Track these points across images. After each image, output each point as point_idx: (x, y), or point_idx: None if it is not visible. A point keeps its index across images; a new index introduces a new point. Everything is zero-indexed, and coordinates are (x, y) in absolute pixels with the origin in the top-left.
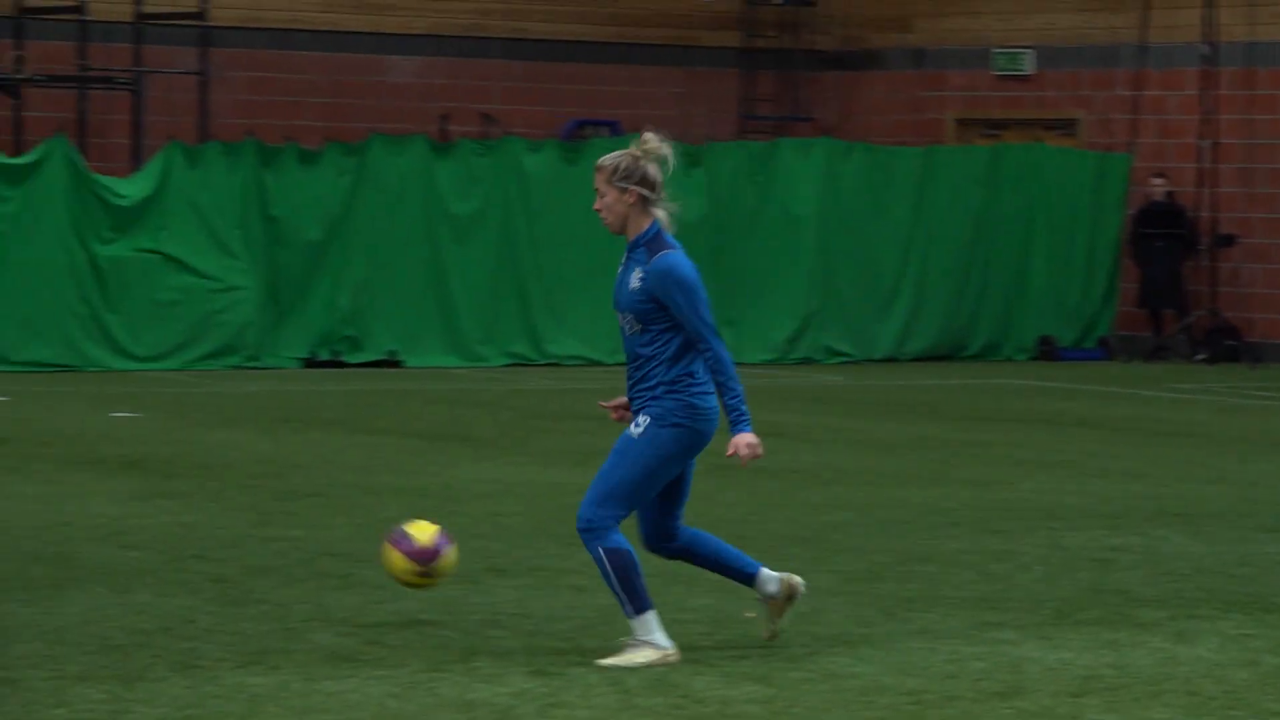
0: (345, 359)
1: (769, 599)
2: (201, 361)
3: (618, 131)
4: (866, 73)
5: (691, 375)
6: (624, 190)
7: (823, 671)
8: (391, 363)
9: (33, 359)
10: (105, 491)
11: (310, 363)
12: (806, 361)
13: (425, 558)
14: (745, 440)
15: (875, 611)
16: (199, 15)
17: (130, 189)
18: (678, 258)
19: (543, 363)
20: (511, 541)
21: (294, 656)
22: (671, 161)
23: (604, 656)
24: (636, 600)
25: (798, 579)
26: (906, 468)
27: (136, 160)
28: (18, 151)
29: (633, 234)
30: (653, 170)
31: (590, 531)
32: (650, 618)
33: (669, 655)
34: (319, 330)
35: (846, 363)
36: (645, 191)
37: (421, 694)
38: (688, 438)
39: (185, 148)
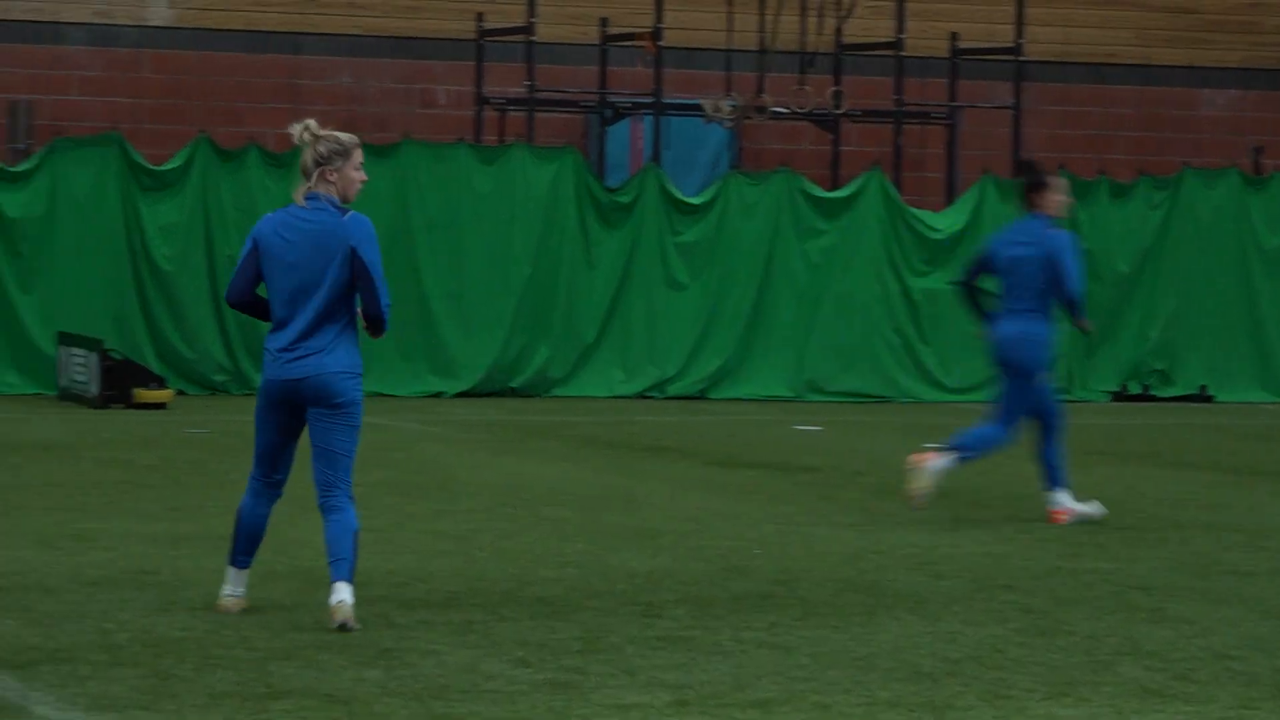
0: (1154, 392)
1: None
2: None
3: None
4: None
5: None
6: None
7: None
8: (1202, 397)
9: (847, 389)
10: (916, 521)
11: (1118, 396)
12: None
13: None
14: None
15: None
16: (1014, 50)
17: (944, 222)
18: None
19: None
20: None
21: (1102, 689)
22: None
23: None
24: None
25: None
26: None
27: (950, 194)
28: (835, 185)
29: None
30: None
31: None
32: None
33: None
34: (1129, 363)
35: None
36: None
37: None
38: None
39: (998, 181)
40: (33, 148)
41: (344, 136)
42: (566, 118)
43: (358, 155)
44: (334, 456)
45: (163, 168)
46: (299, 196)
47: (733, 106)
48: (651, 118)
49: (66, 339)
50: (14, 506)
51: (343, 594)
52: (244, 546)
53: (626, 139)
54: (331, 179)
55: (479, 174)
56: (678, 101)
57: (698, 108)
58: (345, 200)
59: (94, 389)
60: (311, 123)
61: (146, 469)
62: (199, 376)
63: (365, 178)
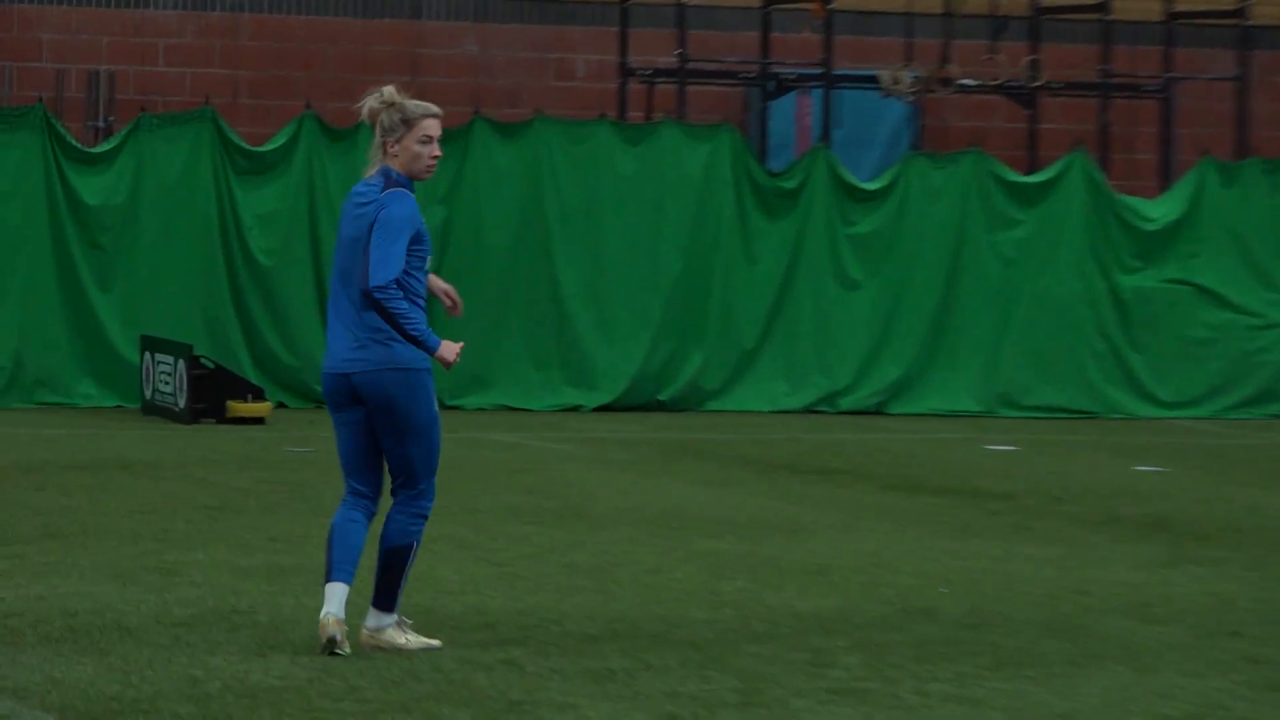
0: None
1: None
2: (1237, 409)
3: None
4: None
5: None
6: None
7: None
8: None
9: (1045, 403)
10: (1127, 556)
11: None
12: None
13: None
14: None
15: None
16: (1238, 14)
17: (1157, 210)
18: None
19: None
20: None
21: None
22: None
23: None
24: None
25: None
26: None
27: (1165, 178)
28: (1032, 168)
29: None
30: None
31: None
32: None
33: None
34: None
35: None
36: None
37: None
38: None
39: (1220, 164)
40: (114, 125)
41: (413, 105)
42: (723, 91)
43: (426, 127)
44: (393, 461)
45: (262, 148)
46: (367, 172)
47: (914, 78)
48: (820, 91)
49: (151, 344)
50: (90, 535)
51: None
52: (336, 556)
53: (792, 115)
54: (394, 152)
55: (622, 155)
56: (850, 73)
57: (873, 80)
58: (413, 177)
59: (182, 401)
60: (388, 90)
61: (241, 493)
62: (301, 387)
63: (436, 153)
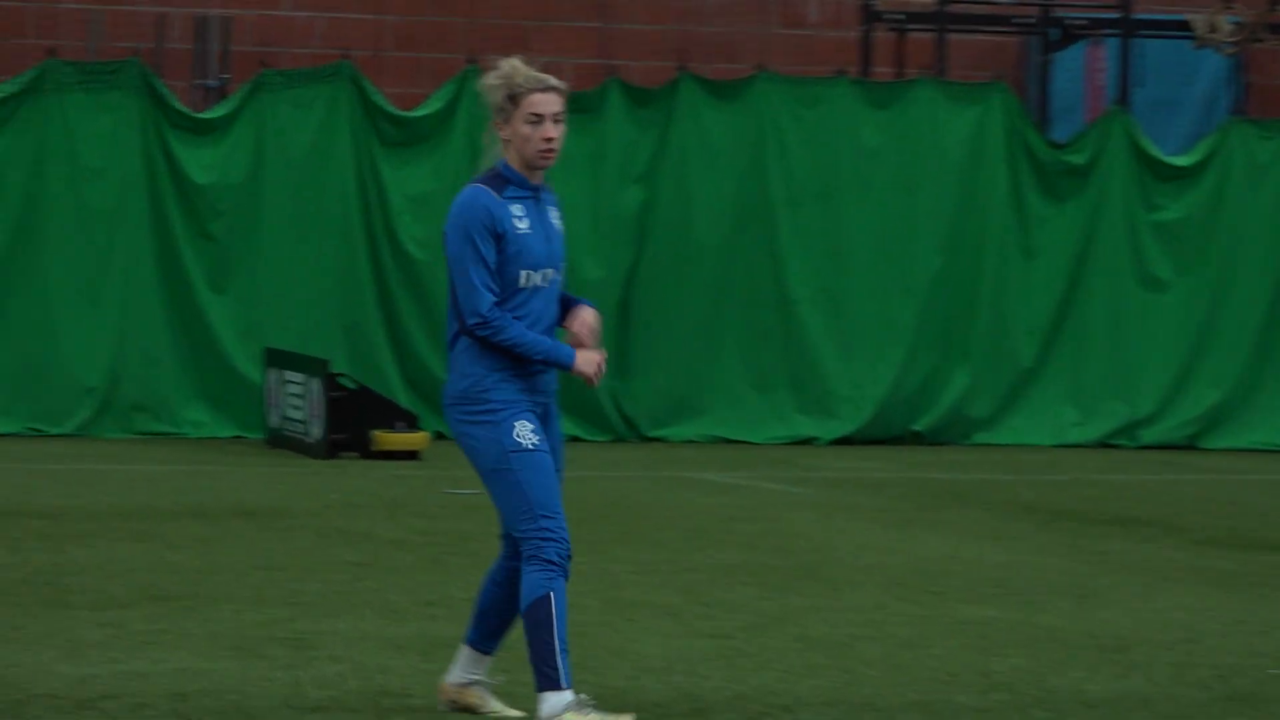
0: None
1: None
2: None
3: None
4: None
5: None
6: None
7: None
8: None
9: None
10: None
11: None
12: None
13: None
14: None
15: None
16: None
17: None
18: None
19: None
20: None
21: None
22: None
23: None
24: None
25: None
26: None
27: None
28: None
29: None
30: None
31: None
32: None
33: None
34: None
35: None
36: None
37: None
38: None
39: None
40: (229, 85)
41: (524, 76)
42: (993, 41)
43: (533, 103)
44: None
45: (414, 113)
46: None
47: (1235, 24)
48: (1117, 41)
49: (277, 359)
50: (203, 599)
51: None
52: (474, 620)
53: (1080, 72)
54: (505, 136)
55: (866, 123)
56: (1155, 17)
57: (1184, 26)
58: (531, 167)
59: (316, 431)
60: (508, 63)
61: (390, 545)
62: None
63: (548, 134)
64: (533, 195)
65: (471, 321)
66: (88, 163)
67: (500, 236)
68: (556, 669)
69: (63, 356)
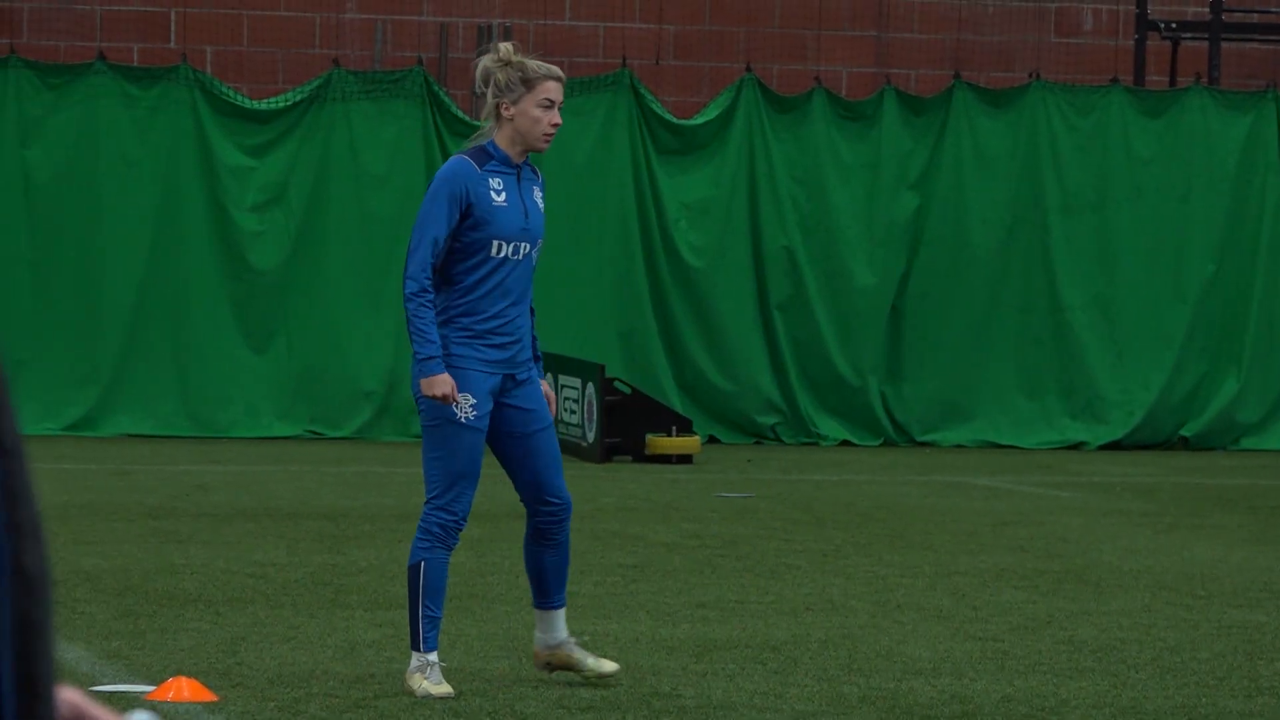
0: None
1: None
2: None
3: None
4: None
5: None
6: None
7: None
8: None
9: None
10: None
11: None
12: None
13: None
14: None
15: None
16: None
17: None
18: None
19: None
20: None
21: None
22: None
23: None
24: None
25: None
26: None
27: None
28: None
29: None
30: None
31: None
32: None
33: None
34: None
35: None
36: None
37: None
38: None
39: None
40: None
41: (535, 64)
42: (1267, 49)
43: (548, 89)
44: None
45: (691, 121)
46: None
47: None
48: None
49: (552, 363)
50: (478, 600)
51: None
52: (532, 586)
53: None
54: (509, 115)
55: (1139, 131)
56: None
57: None
58: (529, 148)
59: (590, 435)
60: (505, 46)
61: (664, 548)
62: (739, 418)
63: (556, 120)
64: (513, 173)
65: (405, 275)
66: (371, 170)
67: (470, 207)
68: (417, 632)
69: (343, 361)
